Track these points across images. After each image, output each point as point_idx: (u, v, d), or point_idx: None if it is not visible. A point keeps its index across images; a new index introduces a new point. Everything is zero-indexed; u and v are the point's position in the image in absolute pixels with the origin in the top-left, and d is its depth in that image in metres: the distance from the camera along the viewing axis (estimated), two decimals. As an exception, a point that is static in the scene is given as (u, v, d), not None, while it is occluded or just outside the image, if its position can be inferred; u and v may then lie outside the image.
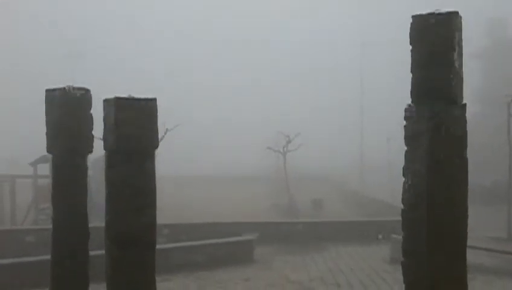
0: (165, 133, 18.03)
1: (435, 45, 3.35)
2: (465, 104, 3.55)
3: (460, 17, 3.45)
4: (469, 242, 11.40)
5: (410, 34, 3.44)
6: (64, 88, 5.03)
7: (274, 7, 78.25)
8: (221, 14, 77.42)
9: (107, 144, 4.09)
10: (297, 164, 34.03)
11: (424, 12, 3.42)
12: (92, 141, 5.24)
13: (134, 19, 75.11)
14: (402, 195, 3.63)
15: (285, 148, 23.01)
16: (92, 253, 5.25)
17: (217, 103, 68.03)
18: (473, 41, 39.59)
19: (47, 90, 5.15)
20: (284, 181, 22.70)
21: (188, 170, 45.43)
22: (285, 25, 76.32)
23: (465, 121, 3.56)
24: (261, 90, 69.37)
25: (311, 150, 34.07)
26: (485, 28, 41.50)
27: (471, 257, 12.52)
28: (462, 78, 3.50)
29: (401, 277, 3.61)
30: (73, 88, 5.08)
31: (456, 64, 3.38)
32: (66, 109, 5.01)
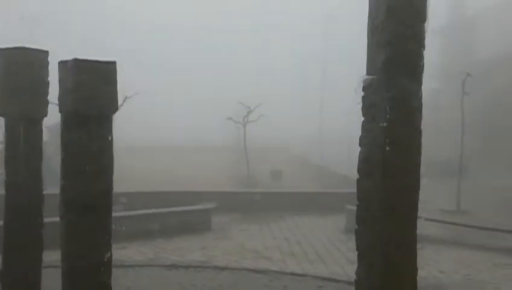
0: (124, 101, 17.72)
1: (400, 17, 3.37)
2: (421, 77, 3.61)
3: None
4: (421, 214, 11.76)
5: (369, 7, 3.46)
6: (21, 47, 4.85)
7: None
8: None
9: (63, 106, 3.98)
10: (257, 135, 34.18)
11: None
12: (47, 104, 5.09)
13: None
14: (358, 164, 3.70)
15: (245, 119, 22.99)
16: (46, 220, 5.16)
17: (181, 78, 67.21)
18: (433, 18, 40.27)
19: (0, 50, 4.95)
20: (243, 152, 22.76)
21: (148, 140, 45.13)
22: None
23: (421, 93, 3.64)
24: (223, 64, 68.77)
25: (271, 122, 34.23)
26: (445, 5, 42.13)
27: (422, 227, 12.94)
28: (421, 51, 3.55)
29: (354, 246, 3.70)
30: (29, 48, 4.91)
31: (422, 38, 3.42)
32: (20, 70, 4.84)
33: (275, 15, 71.45)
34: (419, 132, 3.66)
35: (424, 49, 3.54)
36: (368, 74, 3.58)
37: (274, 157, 34.00)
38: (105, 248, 4.05)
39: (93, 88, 3.89)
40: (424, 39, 3.54)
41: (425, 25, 3.53)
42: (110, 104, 4.06)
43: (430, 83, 39.74)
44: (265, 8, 73.19)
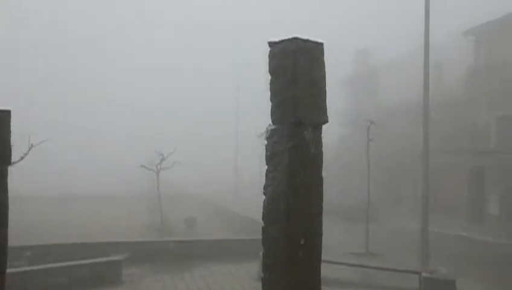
0: (30, 149, 16.94)
1: (286, 69, 3.54)
2: (321, 126, 3.78)
3: (321, 44, 3.67)
4: (330, 257, 12.08)
5: (269, 58, 3.63)
6: None
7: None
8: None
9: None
10: (171, 182, 33.81)
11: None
12: None
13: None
14: (262, 212, 3.77)
15: (158, 166, 22.70)
16: None
17: (97, 124, 65.55)
18: (341, 69, 42.52)
19: None
20: (157, 200, 22.36)
21: (59, 189, 43.37)
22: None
23: (321, 141, 3.79)
24: (137, 111, 68.05)
25: (186, 169, 34.06)
26: (351, 57, 44.74)
27: (332, 271, 13.29)
28: (323, 102, 3.71)
29: (267, 293, 3.71)
30: None
31: (307, 87, 3.58)
32: None
33: (190, 59, 72.18)
34: (321, 178, 3.80)
35: (325, 99, 3.72)
36: (271, 123, 3.70)
37: (188, 204, 33.69)
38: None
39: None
40: (325, 91, 3.72)
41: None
42: (3, 156, 3.84)
43: (339, 130, 41.63)
44: (179, 51, 73.82)
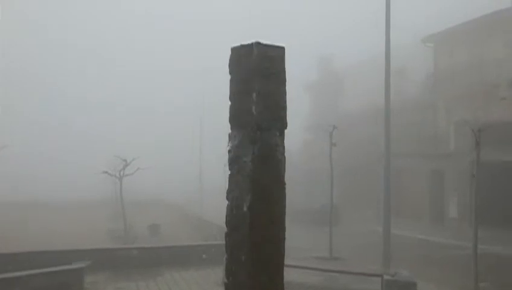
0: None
1: (246, 74, 3.57)
2: (283, 130, 3.80)
3: (281, 48, 3.69)
4: (294, 262, 12.12)
5: (229, 63, 3.65)
6: None
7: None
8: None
9: None
10: (135, 188, 33.38)
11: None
12: None
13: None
14: (225, 218, 3.76)
15: (121, 172, 22.35)
16: None
17: (52, 128, 64.10)
18: (305, 75, 42.94)
19: None
20: (120, 207, 22.02)
21: (18, 196, 42.32)
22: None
23: (283, 146, 3.82)
24: (100, 118, 66.84)
25: (150, 175, 33.72)
26: (315, 63, 45.24)
27: (296, 275, 13.33)
28: (283, 107, 3.74)
29: (233, 299, 3.70)
30: None
31: (265, 92, 3.60)
32: None
33: (154, 60, 71.53)
34: (283, 183, 3.82)
35: (285, 104, 3.74)
36: (232, 127, 3.70)
37: (153, 211, 33.29)
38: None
39: None
40: (284, 96, 3.75)
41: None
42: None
43: (303, 135, 41.98)
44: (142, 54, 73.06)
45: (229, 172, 3.74)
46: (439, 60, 29.69)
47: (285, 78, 3.76)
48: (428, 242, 22.55)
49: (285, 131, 3.81)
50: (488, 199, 21.84)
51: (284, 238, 3.85)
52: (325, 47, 45.77)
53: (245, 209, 3.62)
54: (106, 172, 22.41)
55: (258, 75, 3.56)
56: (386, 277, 11.73)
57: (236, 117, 3.64)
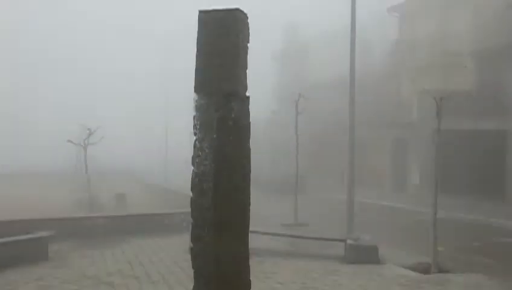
0: None
1: (215, 39, 3.57)
2: (248, 97, 3.82)
3: (236, 12, 3.65)
4: (260, 228, 12.26)
5: (197, 28, 3.63)
6: None
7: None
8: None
9: None
10: (100, 158, 32.96)
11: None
12: None
13: None
14: (191, 183, 3.78)
15: (86, 141, 21.98)
16: None
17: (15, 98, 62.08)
18: (271, 44, 42.64)
19: None
20: (86, 176, 21.74)
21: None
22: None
23: (248, 112, 3.84)
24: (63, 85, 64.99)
25: (115, 145, 33.35)
26: (280, 32, 44.92)
27: (262, 241, 13.50)
28: (243, 66, 3.73)
29: (195, 265, 3.76)
30: None
31: (234, 58, 3.62)
32: None
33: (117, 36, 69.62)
34: (248, 149, 3.86)
35: (243, 70, 3.74)
36: (197, 93, 3.70)
37: (118, 181, 33.06)
38: None
39: None
40: (242, 61, 3.73)
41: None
42: None
43: (269, 105, 42.02)
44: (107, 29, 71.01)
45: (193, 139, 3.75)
46: (403, 30, 29.96)
47: (244, 43, 3.73)
48: (391, 208, 23.16)
49: (252, 99, 3.83)
50: (449, 167, 22.50)
51: (249, 204, 3.90)
52: (291, 16, 45.41)
53: (209, 175, 3.65)
54: (70, 141, 22.03)
55: (206, 40, 3.59)
56: (349, 242, 12.07)
57: (200, 82, 3.64)
